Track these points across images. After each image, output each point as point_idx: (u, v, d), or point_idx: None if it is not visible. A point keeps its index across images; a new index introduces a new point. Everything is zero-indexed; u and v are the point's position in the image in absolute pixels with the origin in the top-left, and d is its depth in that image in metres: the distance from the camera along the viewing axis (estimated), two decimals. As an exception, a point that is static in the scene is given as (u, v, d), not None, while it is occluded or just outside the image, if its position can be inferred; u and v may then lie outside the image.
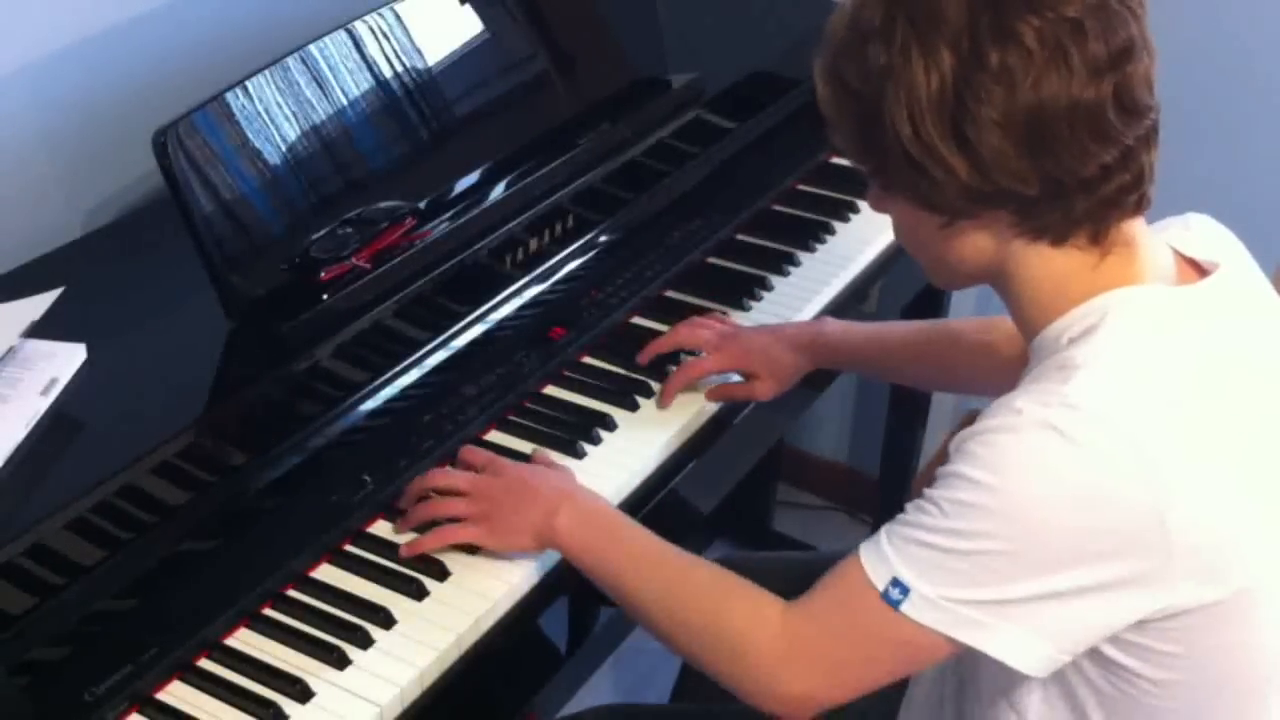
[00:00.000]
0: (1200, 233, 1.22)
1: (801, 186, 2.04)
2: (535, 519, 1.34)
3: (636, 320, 1.75)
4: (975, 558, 1.07)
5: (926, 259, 1.22)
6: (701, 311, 1.74)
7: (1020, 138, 1.05)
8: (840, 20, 1.12)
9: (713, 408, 1.61)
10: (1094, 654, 1.12)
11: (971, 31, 1.04)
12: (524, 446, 1.53)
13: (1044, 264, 1.13)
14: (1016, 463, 1.05)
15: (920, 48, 1.05)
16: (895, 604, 1.09)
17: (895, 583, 1.10)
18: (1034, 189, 1.07)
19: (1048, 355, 1.13)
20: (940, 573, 1.08)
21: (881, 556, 1.11)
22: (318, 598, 1.34)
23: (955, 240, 1.15)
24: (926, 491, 1.11)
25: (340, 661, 1.27)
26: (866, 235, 1.93)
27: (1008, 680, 1.20)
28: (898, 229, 1.22)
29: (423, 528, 1.39)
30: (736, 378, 1.63)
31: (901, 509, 1.15)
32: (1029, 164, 1.06)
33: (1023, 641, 1.08)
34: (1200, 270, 1.18)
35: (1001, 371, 1.17)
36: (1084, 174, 1.07)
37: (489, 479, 1.39)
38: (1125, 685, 1.13)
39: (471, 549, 1.39)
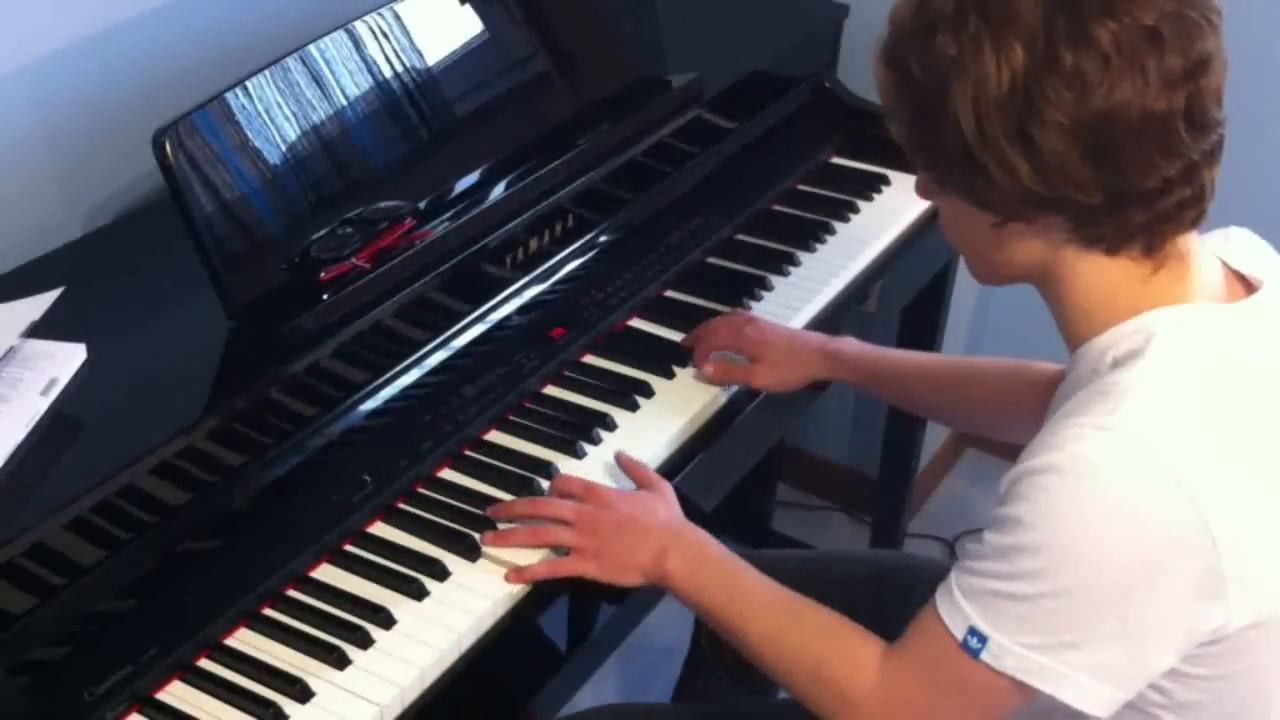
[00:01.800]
0: (1241, 246, 1.20)
1: (801, 186, 2.04)
2: (645, 559, 1.34)
3: (636, 320, 1.75)
4: (1038, 602, 1.06)
5: (971, 255, 1.21)
6: (701, 311, 1.74)
7: (1086, 145, 1.03)
8: (905, 7, 1.10)
9: (713, 407, 1.62)
10: None
11: (1047, 30, 1.02)
12: (524, 446, 1.53)
13: (1095, 272, 1.11)
14: (1062, 503, 1.04)
15: (993, 42, 1.03)
16: (975, 653, 1.09)
17: (973, 631, 1.09)
18: (1094, 198, 1.05)
19: (1089, 371, 1.11)
20: (1011, 620, 1.07)
21: (956, 606, 1.11)
22: (318, 598, 1.34)
23: (1005, 241, 1.13)
24: (986, 535, 1.10)
25: (340, 661, 1.27)
26: (866, 235, 1.94)
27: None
28: (944, 221, 1.21)
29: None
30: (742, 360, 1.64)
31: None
32: (1092, 172, 1.04)
33: (1094, 686, 1.07)
34: (1246, 284, 1.16)
35: (1018, 421, 1.15)
36: (1145, 186, 1.05)
37: (596, 511, 1.38)
38: (1148, 706, 1.12)
39: (473, 551, 1.39)
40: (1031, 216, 1.09)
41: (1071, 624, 1.06)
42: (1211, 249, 1.17)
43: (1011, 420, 1.28)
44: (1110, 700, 1.08)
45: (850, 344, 1.64)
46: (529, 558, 1.38)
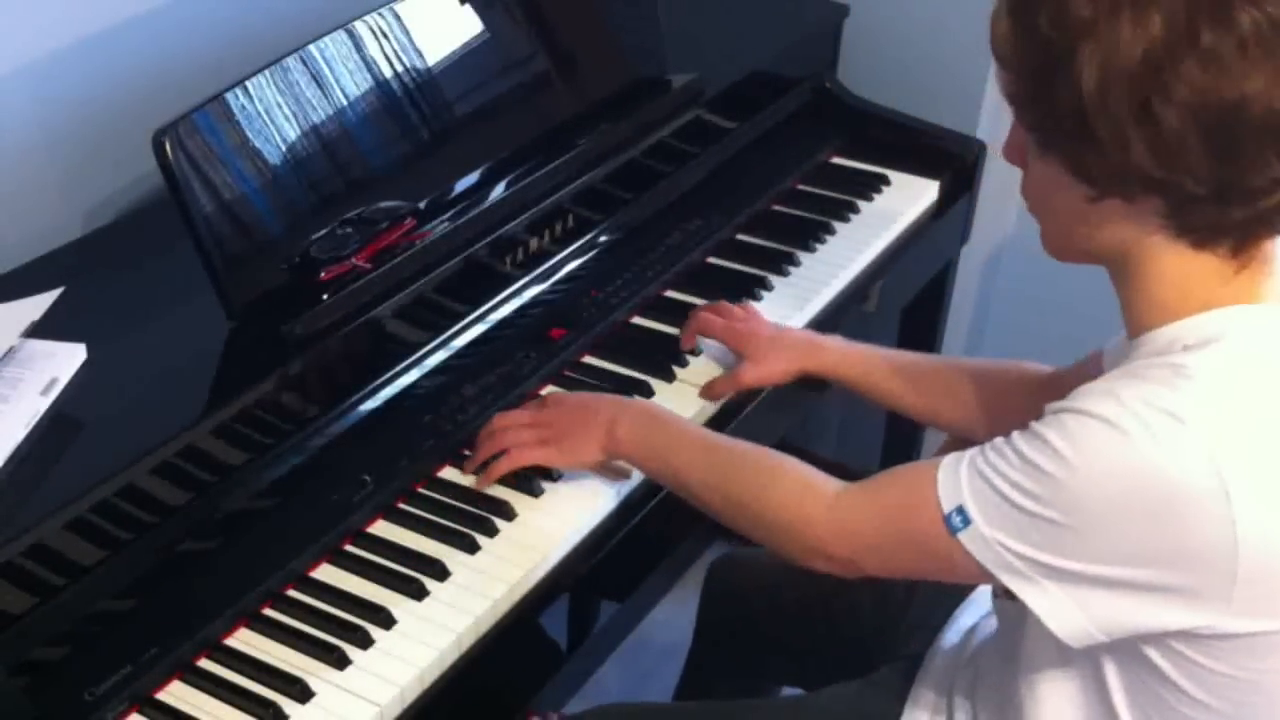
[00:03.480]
0: None
1: (801, 186, 2.04)
2: (599, 432, 1.43)
3: (636, 320, 1.75)
4: (1035, 520, 1.06)
5: (1052, 225, 1.18)
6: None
7: (1208, 130, 1.00)
8: None
9: (713, 407, 1.62)
10: (1133, 653, 1.11)
11: (1189, 5, 0.99)
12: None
13: (1179, 264, 1.09)
14: (1102, 454, 1.03)
15: (1132, 9, 1.00)
16: (954, 530, 1.11)
17: (959, 510, 1.11)
18: (1203, 188, 1.03)
19: (1154, 355, 1.09)
20: (1002, 519, 1.08)
21: (956, 482, 1.12)
22: (318, 598, 1.34)
23: (1095, 216, 1.10)
24: (1014, 436, 1.09)
25: (340, 661, 1.27)
26: (866, 235, 1.94)
27: (1042, 666, 1.20)
28: (1031, 186, 1.17)
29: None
30: (721, 371, 1.65)
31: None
32: (1209, 161, 1.01)
33: (1064, 607, 1.08)
34: None
35: (1006, 422, 1.15)
36: (1254, 184, 1.03)
37: (550, 409, 1.48)
38: (1160, 688, 1.12)
39: (471, 547, 1.39)
40: (1131, 195, 1.07)
41: (1057, 550, 1.06)
42: None
43: (1000, 421, 1.27)
44: (1077, 626, 1.08)
45: (835, 340, 1.63)
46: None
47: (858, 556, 1.22)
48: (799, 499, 1.26)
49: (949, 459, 1.14)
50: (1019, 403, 1.37)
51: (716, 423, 1.61)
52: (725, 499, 1.33)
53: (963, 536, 1.10)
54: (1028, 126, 1.12)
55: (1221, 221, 1.06)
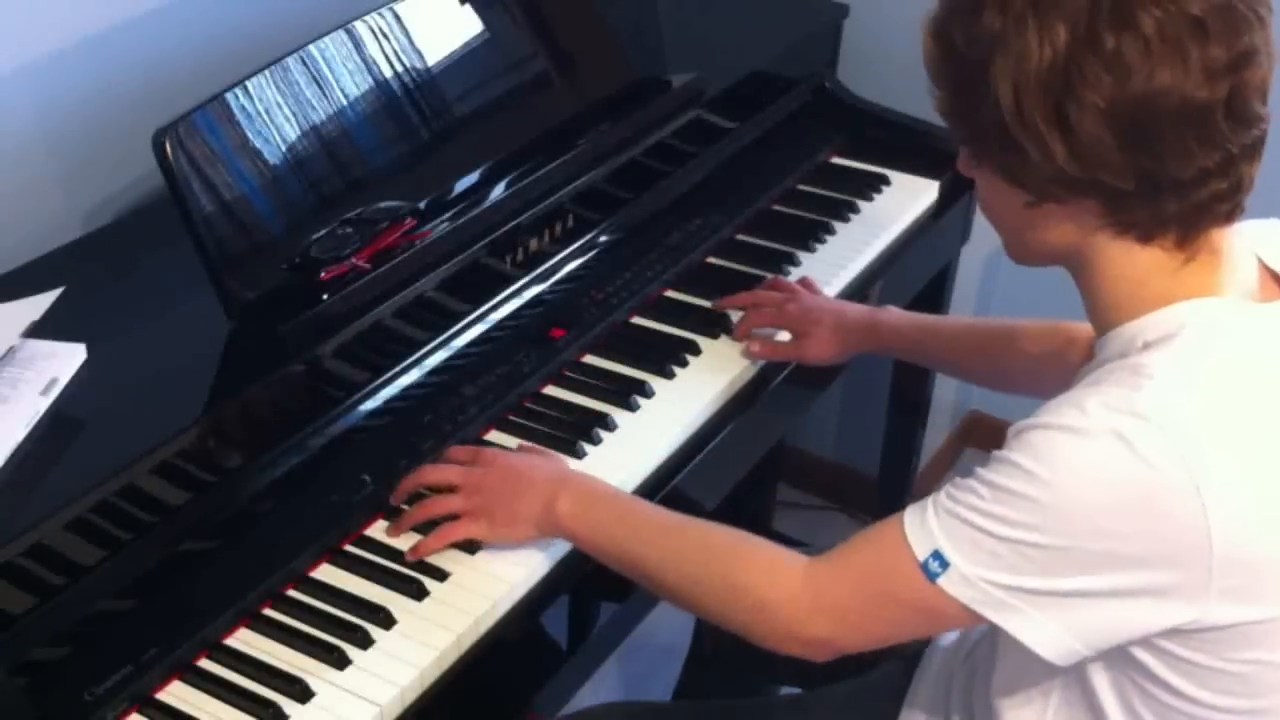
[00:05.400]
0: (1277, 241, 1.19)
1: (801, 186, 2.04)
2: (535, 508, 1.35)
3: (637, 320, 1.75)
4: (1017, 546, 1.06)
5: (1005, 233, 1.21)
6: (701, 311, 1.74)
7: (1122, 129, 1.03)
8: None
9: (713, 407, 1.62)
10: (1119, 653, 1.12)
11: (1091, 12, 1.02)
12: (524, 446, 1.53)
13: (1127, 260, 1.11)
14: (1075, 464, 1.04)
15: (1037, 19, 1.03)
16: (933, 576, 1.10)
17: (936, 555, 1.10)
18: (1128, 183, 1.05)
19: (1117, 355, 1.11)
20: (981, 554, 1.08)
21: (926, 527, 1.11)
22: (318, 598, 1.34)
23: (1038, 220, 1.13)
24: (977, 471, 1.10)
25: (340, 661, 1.28)
26: (866, 235, 1.94)
27: (1029, 674, 1.20)
28: (981, 197, 1.21)
29: (422, 528, 1.39)
30: (784, 336, 1.67)
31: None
32: (1126, 157, 1.04)
33: (1050, 630, 1.08)
34: None
35: (1058, 379, 1.15)
36: (1181, 175, 1.05)
37: (481, 471, 1.39)
38: (1147, 684, 1.12)
39: (471, 547, 1.39)
40: (1065, 198, 1.09)
41: (1042, 572, 1.06)
42: (1248, 244, 1.16)
43: (1054, 377, 1.28)
44: (1065, 647, 1.09)
45: (892, 315, 1.66)
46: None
47: (835, 631, 1.19)
48: (769, 577, 1.22)
49: (912, 508, 1.14)
50: (1074, 358, 1.37)
51: (716, 424, 1.62)
52: (682, 579, 1.27)
53: (942, 581, 1.10)
54: (961, 140, 1.15)
55: (1159, 215, 1.08)
